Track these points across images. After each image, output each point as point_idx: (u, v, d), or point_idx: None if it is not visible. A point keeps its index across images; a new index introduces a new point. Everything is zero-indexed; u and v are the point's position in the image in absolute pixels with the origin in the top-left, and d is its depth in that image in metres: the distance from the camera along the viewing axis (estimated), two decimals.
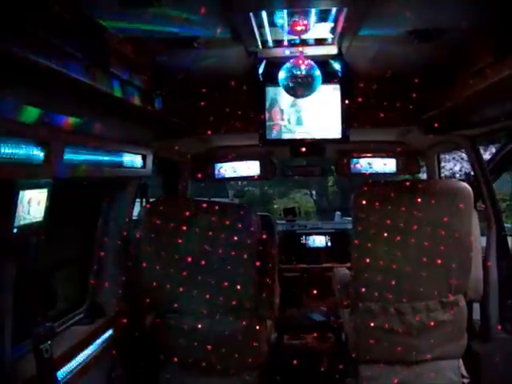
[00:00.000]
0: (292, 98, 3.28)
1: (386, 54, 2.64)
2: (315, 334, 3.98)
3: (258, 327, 3.35)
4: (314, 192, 14.17)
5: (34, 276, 2.28)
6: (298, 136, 3.47)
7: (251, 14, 2.12)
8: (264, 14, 2.26)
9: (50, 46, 1.75)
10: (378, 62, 2.78)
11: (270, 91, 3.37)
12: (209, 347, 3.29)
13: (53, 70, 1.78)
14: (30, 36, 1.64)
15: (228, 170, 4.73)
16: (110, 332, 3.15)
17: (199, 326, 3.29)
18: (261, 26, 2.35)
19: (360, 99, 3.28)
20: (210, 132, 3.58)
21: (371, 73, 2.93)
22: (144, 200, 3.65)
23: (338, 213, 10.12)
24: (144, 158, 3.31)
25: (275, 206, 15.68)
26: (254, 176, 4.74)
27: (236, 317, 3.32)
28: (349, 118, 3.34)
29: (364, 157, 4.53)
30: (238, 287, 3.27)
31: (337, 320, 3.86)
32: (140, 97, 2.56)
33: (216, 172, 4.72)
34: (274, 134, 3.45)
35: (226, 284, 3.26)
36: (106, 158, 2.69)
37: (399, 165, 4.55)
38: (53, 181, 2.14)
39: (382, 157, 4.55)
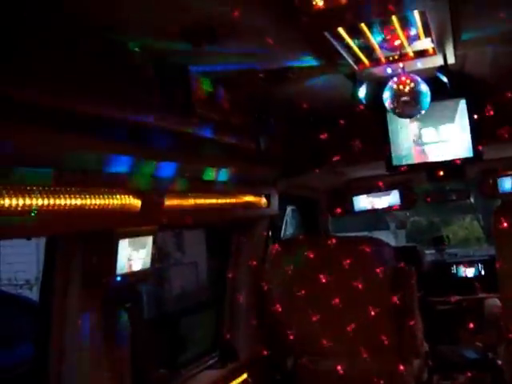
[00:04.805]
0: (415, 120, 3.07)
1: (503, 54, 2.34)
2: (469, 374, 3.58)
3: (402, 367, 3.10)
4: (480, 216, 13.03)
5: (154, 323, 2.32)
6: (427, 159, 3.22)
7: (342, 33, 1.99)
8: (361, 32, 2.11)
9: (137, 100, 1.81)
10: (499, 66, 2.48)
11: (391, 115, 3.17)
12: None
13: (145, 122, 1.84)
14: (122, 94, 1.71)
15: (367, 201, 4.52)
16: (244, 376, 3.10)
17: (339, 367, 3.14)
18: (353, 46, 2.20)
19: (491, 111, 2.95)
20: (334, 164, 3.46)
21: (496, 79, 2.63)
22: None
23: None
24: (268, 197, 3.28)
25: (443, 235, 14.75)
26: (394, 206, 4.47)
27: (376, 357, 3.11)
28: (481, 133, 3.03)
29: None
30: (375, 324, 3.08)
31: (494, 357, 3.45)
32: (244, 137, 2.53)
33: (355, 205, 4.53)
34: (400, 160, 3.24)
35: (361, 322, 3.08)
36: (218, 201, 2.68)
37: None
38: (158, 228, 2.17)
39: None
